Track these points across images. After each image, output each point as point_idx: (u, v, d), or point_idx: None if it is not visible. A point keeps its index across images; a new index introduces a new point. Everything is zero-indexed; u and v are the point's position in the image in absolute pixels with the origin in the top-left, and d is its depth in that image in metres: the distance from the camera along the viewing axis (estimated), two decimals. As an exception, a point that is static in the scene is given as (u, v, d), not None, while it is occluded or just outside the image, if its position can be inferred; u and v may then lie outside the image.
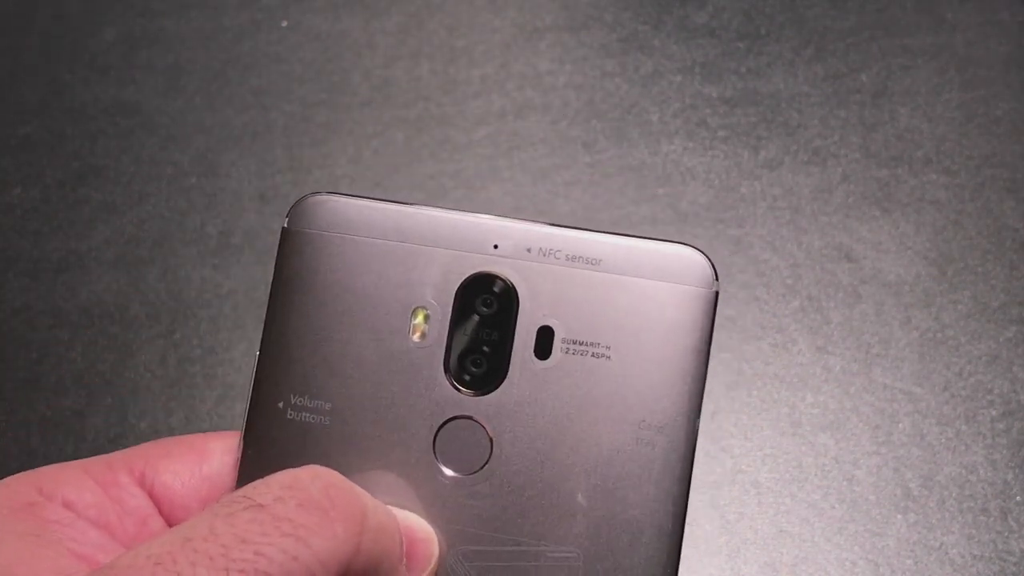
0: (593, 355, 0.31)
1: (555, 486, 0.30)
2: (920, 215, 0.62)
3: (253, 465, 0.31)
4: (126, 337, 0.59)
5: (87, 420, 0.57)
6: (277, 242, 0.32)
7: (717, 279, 0.31)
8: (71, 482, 0.30)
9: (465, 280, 0.31)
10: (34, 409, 0.57)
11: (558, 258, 0.31)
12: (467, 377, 0.31)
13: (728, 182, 0.63)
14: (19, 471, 0.31)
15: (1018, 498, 0.54)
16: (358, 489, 0.27)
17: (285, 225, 0.32)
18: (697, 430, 0.31)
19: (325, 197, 0.32)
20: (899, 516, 0.53)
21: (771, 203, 0.62)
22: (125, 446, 0.33)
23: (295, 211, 0.32)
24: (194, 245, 0.62)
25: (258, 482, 0.27)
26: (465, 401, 0.31)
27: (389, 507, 0.29)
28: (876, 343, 0.58)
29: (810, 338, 0.58)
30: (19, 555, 0.27)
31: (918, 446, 0.55)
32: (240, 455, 0.31)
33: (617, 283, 0.31)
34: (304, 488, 0.26)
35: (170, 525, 0.31)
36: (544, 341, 0.31)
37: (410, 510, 0.30)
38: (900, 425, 0.56)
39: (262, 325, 0.32)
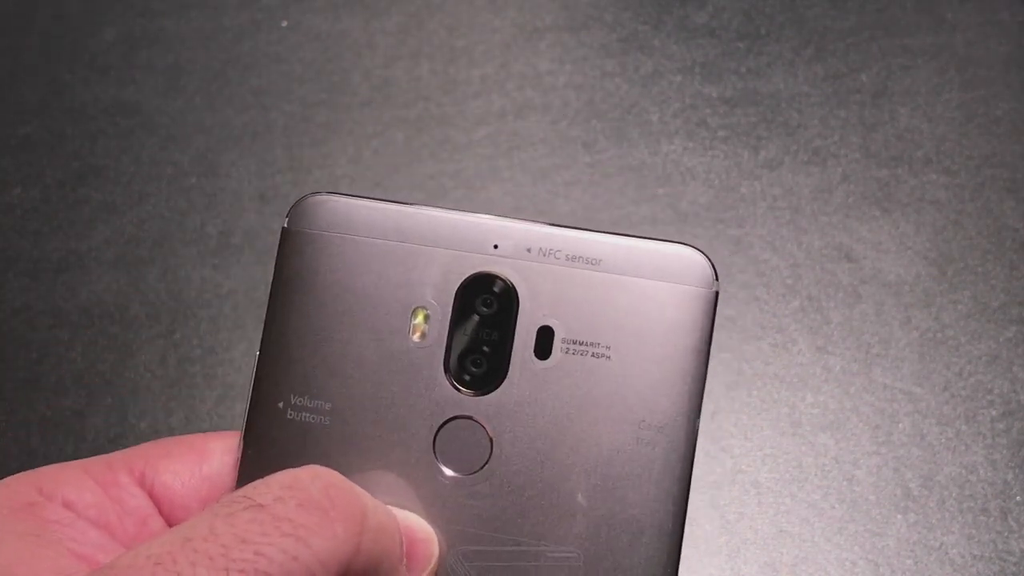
0: (593, 355, 0.31)
1: (555, 486, 0.30)
2: (920, 215, 0.62)
3: (253, 465, 0.31)
4: (126, 337, 0.59)
5: (87, 420, 0.57)
6: (277, 242, 0.32)
7: (717, 279, 0.31)
8: (71, 482, 0.30)
9: (465, 280, 0.31)
10: (34, 409, 0.57)
11: (558, 258, 0.31)
12: (467, 377, 0.31)
13: (728, 182, 0.63)
14: (19, 471, 0.31)
15: (1018, 498, 0.54)
16: (358, 489, 0.27)
17: (285, 225, 0.32)
18: (697, 430, 0.31)
19: (325, 197, 0.32)
20: (899, 516, 0.53)
21: (771, 203, 0.62)
22: (125, 446, 0.33)
23: (295, 211, 0.32)
24: (194, 245, 0.62)
25: (258, 482, 0.27)
26: (465, 401, 0.31)
27: (389, 507, 0.29)
28: (876, 343, 0.58)
29: (810, 338, 0.58)
30: (19, 555, 0.27)
31: (918, 446, 0.55)
32: (240, 455, 0.31)
33: (617, 283, 0.31)
34: (304, 488, 0.26)
35: (170, 525, 0.31)
36: (544, 341, 0.31)
37: (410, 510, 0.30)
38: (900, 425, 0.56)
39: (262, 325, 0.32)
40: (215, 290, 0.60)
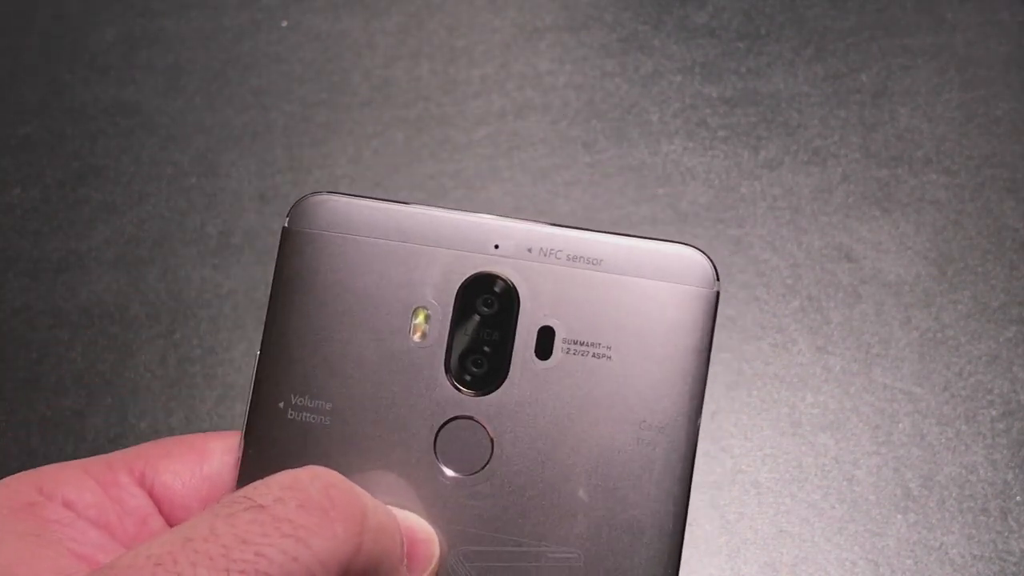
0: (594, 355, 0.31)
1: (556, 486, 0.30)
2: (920, 215, 0.62)
3: (253, 465, 0.31)
4: (126, 337, 0.59)
5: (87, 420, 0.57)
6: (277, 242, 0.32)
7: (718, 279, 0.31)
8: (71, 482, 0.30)
9: (466, 280, 0.31)
10: (34, 409, 0.57)
11: (559, 258, 0.31)
12: (468, 377, 0.31)
13: (728, 182, 0.63)
14: (19, 471, 0.30)
15: (1018, 498, 0.54)
16: (358, 489, 0.27)
17: (286, 225, 0.32)
18: (698, 430, 0.30)
19: (326, 197, 0.32)
20: (899, 516, 0.53)
21: (771, 203, 0.62)
22: (125, 446, 0.33)
23: (296, 211, 0.32)
24: (194, 245, 0.62)
25: (258, 483, 0.27)
26: (466, 401, 0.31)
27: (389, 507, 0.29)
28: (876, 343, 0.58)
29: (810, 338, 0.58)
30: (19, 555, 0.27)
31: (918, 446, 0.55)
32: (240, 455, 0.31)
33: (618, 283, 0.31)
34: (304, 489, 0.26)
35: (170, 525, 0.31)
36: (545, 341, 0.31)
37: (411, 510, 0.30)
38: (900, 425, 0.56)
39: (262, 325, 0.32)
40: (215, 290, 0.60)
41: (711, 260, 0.31)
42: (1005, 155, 0.63)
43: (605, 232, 0.31)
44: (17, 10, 0.71)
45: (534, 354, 0.31)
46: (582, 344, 0.31)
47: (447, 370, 0.31)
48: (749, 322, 0.59)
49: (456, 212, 0.32)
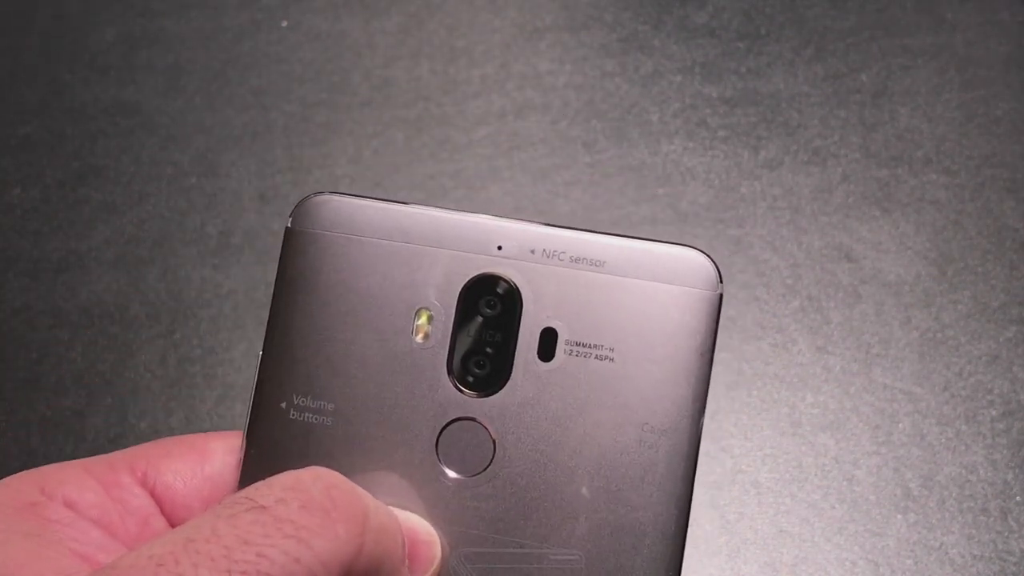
0: (596, 357, 0.31)
1: (558, 488, 0.30)
2: (920, 215, 0.62)
3: (255, 465, 0.31)
4: (126, 337, 0.59)
5: (87, 420, 0.57)
6: (277, 242, 0.32)
7: (721, 281, 0.31)
8: (73, 482, 0.30)
9: (469, 281, 0.31)
10: (34, 409, 0.57)
11: (562, 260, 0.31)
12: (470, 378, 0.31)
13: (728, 182, 0.63)
14: (19, 471, 0.30)
15: (1018, 498, 0.54)
16: (360, 490, 0.27)
17: (289, 225, 0.32)
18: (701, 432, 0.30)
19: (328, 197, 0.32)
20: (899, 516, 0.53)
21: (771, 203, 0.62)
22: (125, 446, 0.33)
23: (299, 211, 0.32)
24: (194, 245, 0.62)
25: (260, 483, 0.27)
26: (468, 403, 0.31)
27: (391, 508, 0.29)
28: (876, 343, 0.58)
29: (810, 338, 0.58)
30: (21, 555, 0.27)
31: (918, 446, 0.55)
32: (242, 455, 0.31)
33: (621, 285, 0.31)
34: (306, 489, 0.26)
35: (172, 525, 0.31)
36: (547, 343, 0.31)
37: (412, 511, 0.30)
38: (900, 425, 0.56)
39: (262, 325, 0.32)
40: (215, 290, 0.60)
41: (714, 262, 0.31)
42: (1005, 155, 0.63)
43: (608, 234, 0.31)
44: (17, 10, 0.71)
45: (536, 356, 0.31)
46: (585, 346, 0.31)
47: (449, 371, 0.31)
48: (749, 322, 0.59)
49: (459, 213, 0.32)
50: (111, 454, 0.32)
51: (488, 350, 0.31)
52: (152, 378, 0.58)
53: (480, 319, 0.31)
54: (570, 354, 0.31)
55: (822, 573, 0.52)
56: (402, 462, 0.31)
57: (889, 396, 0.56)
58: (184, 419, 0.57)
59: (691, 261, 0.31)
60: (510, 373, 0.31)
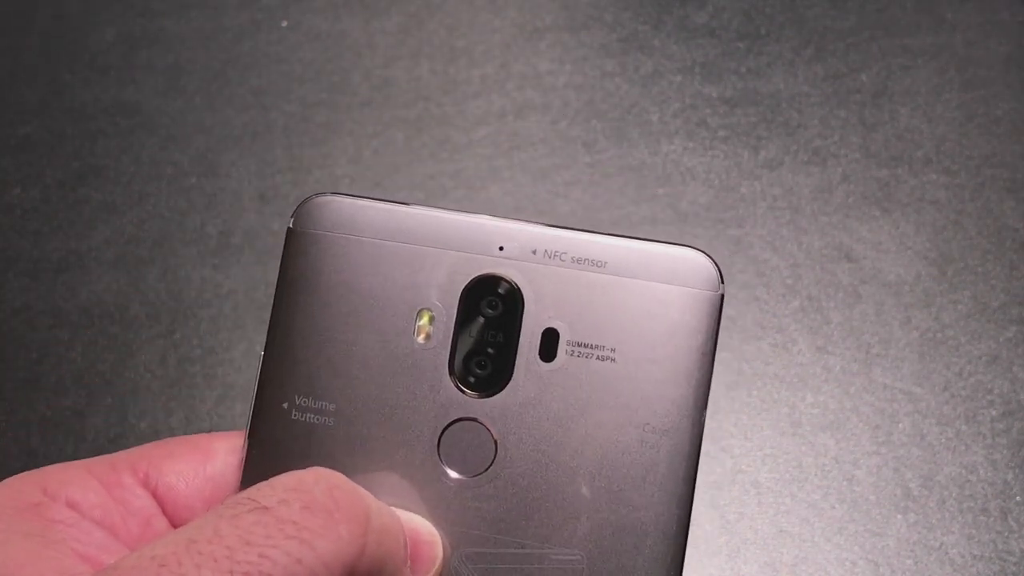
0: (598, 357, 0.31)
1: (559, 488, 0.30)
2: (920, 215, 0.62)
3: (257, 466, 0.31)
4: (126, 337, 0.59)
5: (87, 420, 0.57)
6: (277, 242, 0.32)
7: (723, 282, 0.31)
8: (75, 482, 0.30)
9: (470, 282, 0.31)
10: (34, 409, 0.57)
11: (564, 260, 0.31)
12: (472, 379, 0.31)
13: (728, 182, 0.63)
14: (20, 471, 0.30)
15: (1018, 498, 0.54)
16: (362, 491, 0.27)
17: (290, 225, 0.32)
18: (702, 433, 0.31)
19: (330, 198, 0.32)
20: (899, 516, 0.53)
21: (771, 203, 0.62)
22: (125, 446, 0.33)
23: (300, 211, 0.32)
24: (194, 245, 0.62)
25: (262, 484, 0.27)
26: (470, 403, 0.31)
27: (393, 509, 0.29)
28: (876, 343, 0.58)
29: (810, 338, 0.58)
30: (24, 555, 0.27)
31: (918, 446, 0.55)
32: (244, 456, 0.31)
33: (622, 285, 0.31)
34: (308, 490, 0.26)
35: (174, 526, 0.31)
36: (549, 343, 0.31)
37: (414, 512, 0.30)
38: (900, 425, 0.56)
39: (262, 325, 0.32)
40: (215, 290, 0.60)
41: (715, 263, 0.31)
42: (1005, 155, 0.63)
43: (610, 234, 0.31)
44: (17, 10, 0.71)
45: (538, 356, 0.31)
46: (586, 346, 0.31)
47: (451, 372, 0.31)
48: (749, 322, 0.59)
49: (461, 213, 0.32)
50: (113, 455, 0.32)
51: (489, 350, 0.31)
52: (152, 378, 0.58)
53: (482, 319, 0.31)
54: (571, 354, 0.31)
55: (822, 573, 0.52)
56: (404, 462, 0.31)
57: (889, 396, 0.56)
58: (184, 419, 0.57)
59: (692, 261, 0.31)
60: (511, 373, 0.31)
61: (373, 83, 0.67)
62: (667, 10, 0.70)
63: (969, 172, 0.63)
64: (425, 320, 0.31)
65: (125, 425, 0.57)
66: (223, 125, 0.66)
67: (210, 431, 0.51)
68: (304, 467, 0.27)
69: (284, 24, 0.70)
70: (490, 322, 0.31)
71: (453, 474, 0.31)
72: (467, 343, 0.31)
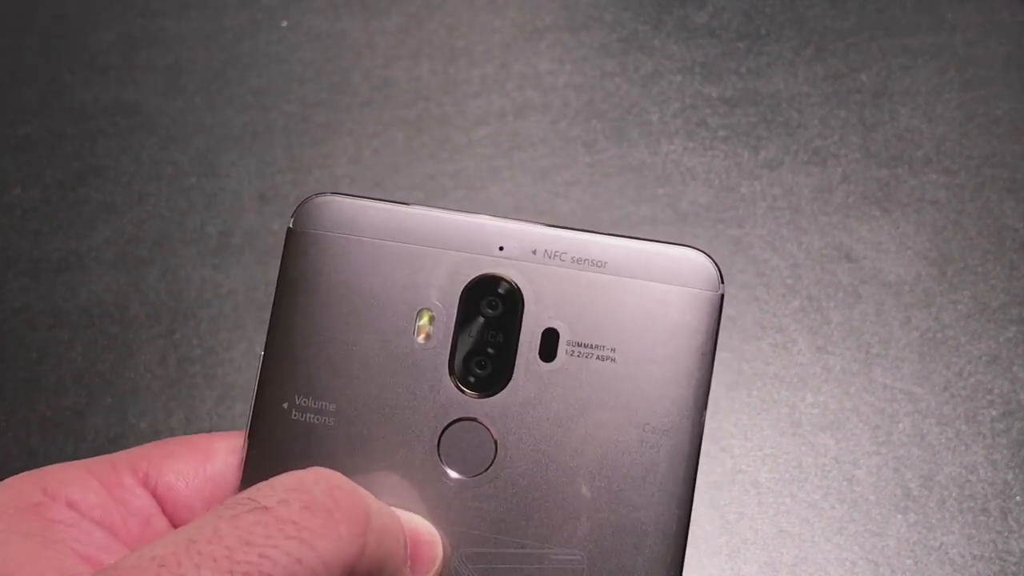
0: (598, 357, 0.31)
1: (559, 488, 0.30)
2: (920, 215, 0.62)
3: (257, 466, 0.31)
4: (126, 337, 0.59)
5: (87, 420, 0.57)
6: (277, 242, 0.32)
7: (723, 282, 0.31)
8: (75, 482, 0.30)
9: (470, 282, 0.31)
10: (34, 409, 0.57)
11: (564, 260, 0.31)
12: (472, 379, 0.31)
13: (728, 182, 0.63)
14: (20, 471, 0.30)
15: (1018, 498, 0.54)
16: (362, 491, 0.27)
17: (290, 226, 0.32)
18: (702, 433, 0.31)
19: (330, 198, 0.32)
20: (899, 516, 0.53)
21: (771, 203, 0.62)
22: (125, 446, 0.33)
23: (300, 211, 0.32)
24: (194, 245, 0.62)
25: (262, 484, 0.27)
26: (470, 403, 0.31)
27: (393, 509, 0.29)
28: (876, 343, 0.58)
29: (810, 338, 0.58)
30: (24, 555, 0.27)
31: (918, 446, 0.55)
32: (244, 456, 0.31)
33: (623, 285, 0.31)
34: (308, 490, 0.26)
35: (174, 526, 0.31)
36: (549, 343, 0.31)
37: (414, 512, 0.30)
38: (900, 425, 0.56)
39: (262, 325, 0.32)
40: (215, 290, 0.60)
41: (715, 263, 0.31)
42: (1005, 155, 0.63)
43: (610, 234, 0.31)
44: (17, 10, 0.71)
45: (538, 356, 0.31)
46: (586, 346, 0.31)
47: (451, 372, 0.31)
48: (749, 322, 0.59)
49: (461, 213, 0.32)
50: (113, 455, 0.32)
51: (489, 350, 0.31)
52: (152, 378, 0.58)
53: (482, 319, 0.31)
54: (571, 354, 0.31)
55: (822, 573, 0.52)
56: (404, 462, 0.31)
57: (889, 396, 0.56)
58: (184, 419, 0.57)
59: (692, 261, 0.31)
60: (511, 373, 0.31)
61: (373, 83, 0.67)
62: (667, 10, 0.70)
63: (969, 172, 0.63)
64: (425, 320, 0.31)
65: (125, 425, 0.57)
66: (223, 125, 0.66)
67: (210, 431, 0.51)
68: (304, 467, 0.27)
69: (284, 24, 0.70)
70: (490, 322, 0.31)
71: (453, 474, 0.31)
72: (467, 343, 0.31)
